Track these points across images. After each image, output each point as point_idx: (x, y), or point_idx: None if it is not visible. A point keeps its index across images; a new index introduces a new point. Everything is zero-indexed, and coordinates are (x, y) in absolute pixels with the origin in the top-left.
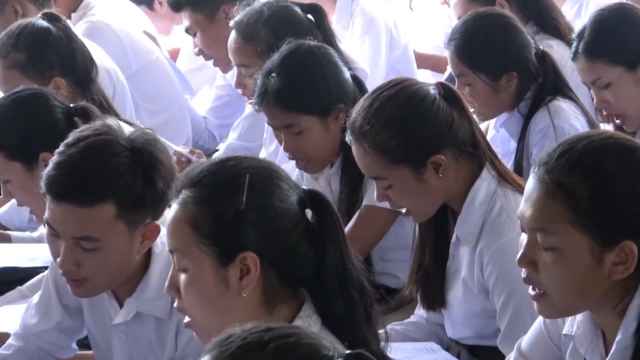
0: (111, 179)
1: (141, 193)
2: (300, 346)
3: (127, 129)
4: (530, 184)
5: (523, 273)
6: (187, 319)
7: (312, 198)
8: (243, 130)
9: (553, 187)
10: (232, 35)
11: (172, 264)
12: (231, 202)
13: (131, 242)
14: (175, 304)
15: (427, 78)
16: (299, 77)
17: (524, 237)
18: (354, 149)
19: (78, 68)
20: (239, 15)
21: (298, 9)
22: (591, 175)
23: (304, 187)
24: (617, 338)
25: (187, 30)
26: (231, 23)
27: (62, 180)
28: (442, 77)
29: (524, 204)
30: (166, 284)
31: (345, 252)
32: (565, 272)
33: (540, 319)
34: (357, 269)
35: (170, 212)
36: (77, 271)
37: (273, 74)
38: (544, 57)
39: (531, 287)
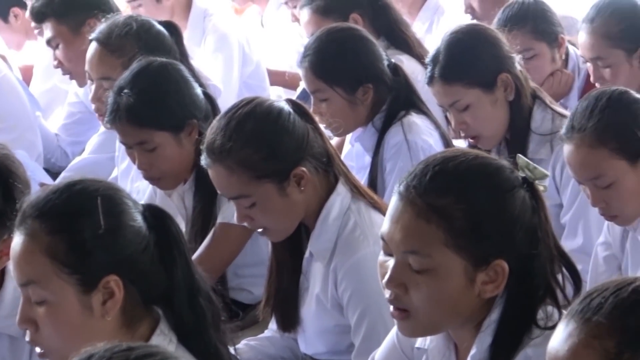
0: None
1: (2, 209)
2: None
3: None
4: (398, 205)
5: (389, 295)
6: (39, 349)
7: (153, 213)
8: (97, 144)
9: (427, 210)
10: (95, 47)
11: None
12: (87, 228)
13: None
14: (27, 337)
15: (280, 94)
16: (152, 93)
17: (387, 259)
18: (214, 170)
19: None
20: (102, 27)
21: (159, 25)
22: (464, 196)
23: (145, 202)
24: (472, 352)
25: (49, 42)
26: (93, 35)
27: None
28: (294, 94)
29: (392, 226)
30: (17, 318)
31: (191, 263)
32: (439, 293)
33: (393, 331)
34: (203, 280)
35: (16, 244)
36: None
37: (125, 91)
38: (396, 70)
39: (394, 306)
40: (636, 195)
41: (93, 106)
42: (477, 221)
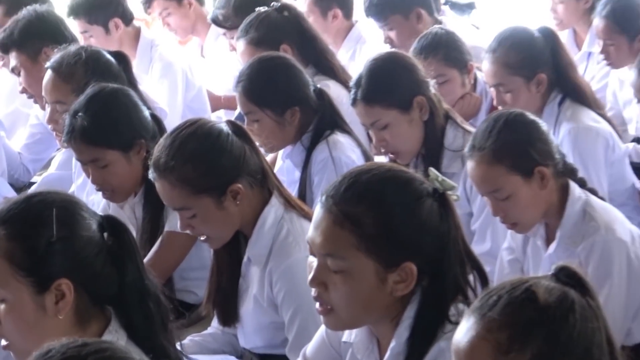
0: None
1: None
2: (114, 359)
3: None
4: (319, 213)
5: (313, 292)
6: (4, 342)
7: (109, 223)
8: (62, 162)
9: (341, 217)
10: (49, 74)
11: None
12: (42, 236)
13: None
14: None
15: (220, 116)
16: (103, 116)
17: (312, 260)
18: (159, 184)
19: None
20: (56, 56)
21: (108, 55)
22: (375, 205)
23: (100, 213)
24: (391, 345)
25: (13, 70)
26: (48, 64)
27: None
28: (233, 115)
29: (314, 232)
30: None
31: (142, 269)
32: (353, 292)
33: (323, 327)
34: (153, 284)
35: None
36: None
37: (80, 114)
38: (321, 94)
39: (319, 303)
40: (531, 206)
41: (49, 126)
42: (387, 227)
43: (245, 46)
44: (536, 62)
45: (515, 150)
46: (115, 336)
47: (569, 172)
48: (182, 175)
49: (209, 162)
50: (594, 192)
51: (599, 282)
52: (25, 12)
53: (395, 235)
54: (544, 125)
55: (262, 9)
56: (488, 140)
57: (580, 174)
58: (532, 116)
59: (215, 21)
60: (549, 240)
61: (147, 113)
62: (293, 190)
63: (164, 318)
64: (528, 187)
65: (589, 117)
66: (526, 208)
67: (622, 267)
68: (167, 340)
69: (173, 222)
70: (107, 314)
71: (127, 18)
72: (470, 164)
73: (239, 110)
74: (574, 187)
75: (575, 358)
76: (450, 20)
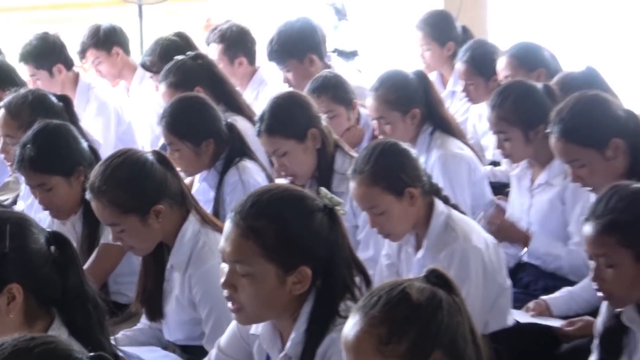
0: None
1: None
2: (58, 350)
3: None
4: (229, 226)
5: (225, 293)
6: None
7: (55, 237)
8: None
9: (247, 230)
10: (1, 112)
11: None
12: None
13: None
14: None
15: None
16: (48, 147)
17: (224, 266)
18: (94, 204)
19: None
20: (8, 97)
21: (53, 97)
22: (274, 219)
23: (48, 229)
24: (291, 336)
25: None
26: (1, 104)
27: None
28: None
29: (224, 242)
30: None
31: (83, 275)
32: (258, 292)
33: (234, 322)
34: (92, 288)
35: None
36: None
37: (28, 145)
38: (231, 128)
39: (231, 302)
40: (402, 220)
41: (2, 156)
42: (285, 237)
43: (166, 89)
44: (411, 99)
45: (389, 174)
46: (58, 332)
47: (434, 191)
48: (112, 197)
49: (135, 187)
50: (456, 207)
51: (459, 282)
52: None
53: (292, 244)
54: (414, 152)
55: (180, 57)
56: (367, 165)
57: (448, 192)
58: (404, 145)
59: (144, 66)
60: (418, 248)
61: (85, 144)
62: (208, 208)
63: (100, 317)
64: (399, 205)
65: (455, 145)
66: (398, 222)
67: (478, 270)
68: (103, 335)
69: (107, 235)
70: (52, 314)
71: (69, 64)
72: (352, 185)
73: (162, 141)
74: (438, 204)
75: (444, 346)
76: (337, 65)
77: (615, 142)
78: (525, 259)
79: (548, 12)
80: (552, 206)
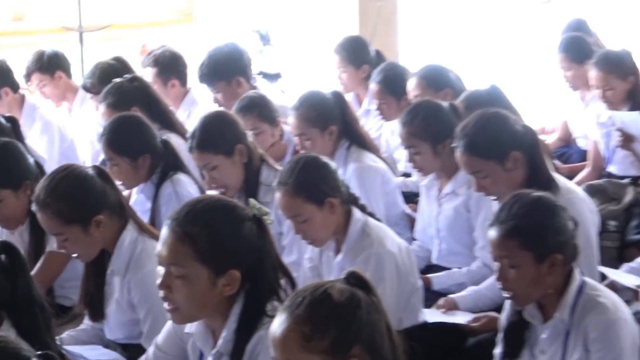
0: None
1: None
2: (7, 349)
3: None
4: (165, 232)
5: (162, 294)
6: None
7: (4, 246)
8: None
9: (182, 235)
10: None
11: None
12: None
13: None
14: None
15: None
16: None
17: (161, 269)
18: (39, 215)
19: None
20: None
21: (1, 118)
22: (207, 226)
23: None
24: (223, 334)
25: None
26: None
27: None
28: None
29: (161, 247)
30: None
31: (31, 281)
32: (192, 293)
33: (170, 322)
34: (39, 293)
35: None
36: None
37: None
38: (166, 144)
39: (167, 303)
40: (323, 228)
41: None
42: (216, 243)
43: (105, 109)
44: (329, 117)
45: (311, 185)
46: (7, 333)
47: (351, 200)
48: (56, 209)
49: (77, 199)
50: (371, 215)
51: (375, 283)
52: None
53: (223, 249)
54: (333, 165)
55: (118, 79)
56: (290, 177)
57: (364, 202)
58: (324, 158)
59: (85, 88)
60: (337, 252)
61: (31, 160)
62: (146, 218)
63: (46, 319)
64: (321, 213)
65: (369, 159)
66: (320, 229)
67: (392, 272)
68: (49, 336)
69: (53, 244)
70: (1, 316)
71: (15, 87)
72: (277, 195)
73: (102, 157)
74: (356, 212)
75: (363, 342)
76: (262, 86)
77: (514, 155)
78: (434, 261)
79: (454, 36)
80: (457, 213)
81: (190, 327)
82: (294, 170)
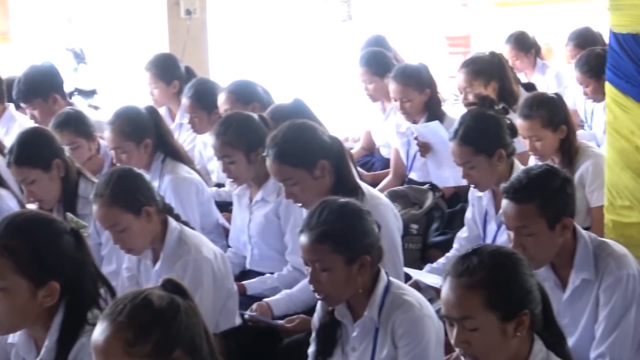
0: None
1: None
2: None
3: None
4: None
5: None
6: None
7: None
8: None
9: (1, 247)
10: None
11: None
12: None
13: None
14: None
15: None
16: None
17: None
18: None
19: None
20: None
21: None
22: (26, 239)
23: None
24: (45, 344)
25: None
26: None
27: None
28: None
29: None
30: None
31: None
32: (11, 305)
33: None
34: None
35: None
36: None
37: None
38: None
39: None
40: (141, 236)
41: None
42: (36, 255)
43: None
44: (143, 131)
45: (127, 195)
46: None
47: (167, 210)
48: None
49: None
50: (186, 224)
51: (193, 289)
52: None
53: (42, 262)
54: (147, 176)
55: None
56: (107, 188)
57: (179, 211)
58: (137, 170)
59: None
60: (155, 261)
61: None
62: None
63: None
64: (138, 222)
65: (184, 170)
66: (138, 237)
67: (209, 277)
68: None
69: None
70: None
71: None
72: (94, 207)
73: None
74: (171, 221)
75: (184, 345)
76: (78, 103)
77: (322, 163)
78: (248, 266)
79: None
80: (268, 220)
81: (13, 338)
82: (109, 182)
